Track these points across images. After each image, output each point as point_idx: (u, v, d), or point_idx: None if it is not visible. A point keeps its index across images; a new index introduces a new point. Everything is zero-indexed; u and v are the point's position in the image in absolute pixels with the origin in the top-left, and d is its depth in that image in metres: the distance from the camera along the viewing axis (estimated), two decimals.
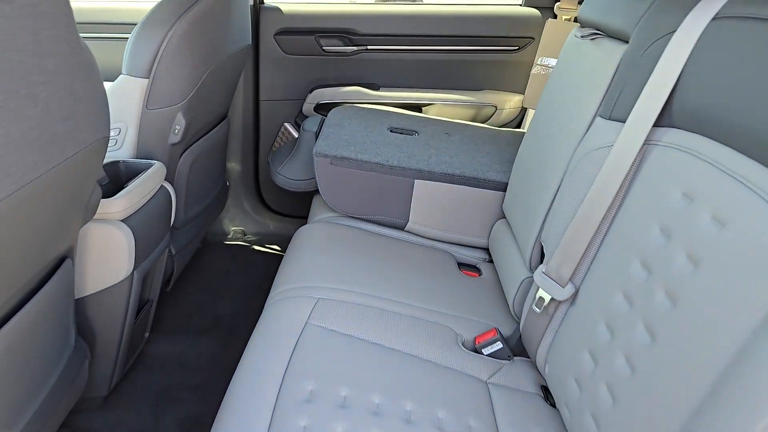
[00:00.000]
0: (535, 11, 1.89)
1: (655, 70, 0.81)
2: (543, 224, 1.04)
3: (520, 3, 1.93)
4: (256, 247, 2.10)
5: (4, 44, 0.58)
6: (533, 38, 1.88)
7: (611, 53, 0.98)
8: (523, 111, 1.99)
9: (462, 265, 1.36)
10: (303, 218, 2.27)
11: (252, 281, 1.87)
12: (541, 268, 0.96)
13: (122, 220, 1.11)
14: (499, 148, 1.57)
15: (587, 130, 0.97)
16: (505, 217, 1.36)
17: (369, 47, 1.91)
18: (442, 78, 1.97)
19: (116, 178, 1.28)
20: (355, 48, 1.90)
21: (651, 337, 0.69)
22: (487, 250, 1.43)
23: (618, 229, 0.83)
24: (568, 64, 1.16)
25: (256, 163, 2.09)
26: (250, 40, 1.70)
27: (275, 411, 0.81)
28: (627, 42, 0.96)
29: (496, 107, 1.97)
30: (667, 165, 0.76)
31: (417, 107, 1.99)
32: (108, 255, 1.11)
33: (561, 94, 1.13)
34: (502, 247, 1.27)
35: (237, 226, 2.17)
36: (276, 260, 2.05)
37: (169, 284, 1.56)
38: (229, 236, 2.16)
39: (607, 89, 0.96)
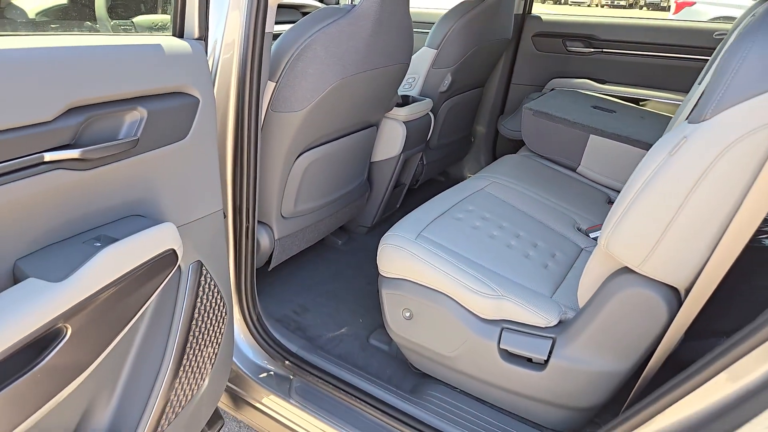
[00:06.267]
0: None
1: None
2: None
3: None
4: None
5: (395, 9, 1.48)
6: None
7: None
8: None
9: (611, 203, 1.81)
10: None
11: None
12: None
13: (403, 122, 2.00)
14: None
15: None
16: None
17: (604, 50, 2.41)
18: (664, 79, 2.32)
19: (406, 103, 2.19)
20: (593, 50, 2.43)
21: None
22: None
23: None
24: None
25: (496, 130, 2.82)
26: (509, 35, 2.43)
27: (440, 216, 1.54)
28: None
29: None
30: None
31: (635, 102, 2.39)
32: (390, 139, 2.01)
33: None
34: None
35: (472, 173, 2.94)
36: None
37: (417, 183, 2.43)
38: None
39: None
